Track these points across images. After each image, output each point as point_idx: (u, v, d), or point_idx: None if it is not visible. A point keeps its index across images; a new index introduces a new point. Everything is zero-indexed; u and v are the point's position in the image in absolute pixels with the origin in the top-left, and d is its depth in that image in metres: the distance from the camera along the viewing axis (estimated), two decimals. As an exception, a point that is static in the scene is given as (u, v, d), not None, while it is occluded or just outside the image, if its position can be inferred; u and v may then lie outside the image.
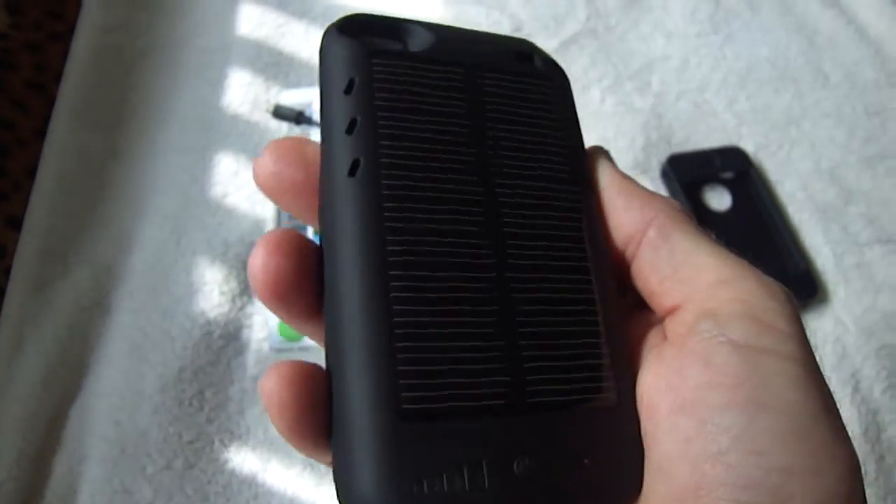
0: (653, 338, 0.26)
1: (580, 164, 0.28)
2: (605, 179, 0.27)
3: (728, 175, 0.67)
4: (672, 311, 0.25)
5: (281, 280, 0.24)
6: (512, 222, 0.25)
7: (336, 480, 0.22)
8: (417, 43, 0.27)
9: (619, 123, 0.70)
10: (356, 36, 0.27)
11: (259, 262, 0.24)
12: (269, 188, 0.26)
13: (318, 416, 0.23)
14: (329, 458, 0.23)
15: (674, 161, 0.67)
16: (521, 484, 0.22)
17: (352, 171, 0.24)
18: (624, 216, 0.26)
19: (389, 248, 0.23)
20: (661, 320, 0.26)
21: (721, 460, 0.21)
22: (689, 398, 0.22)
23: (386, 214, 0.23)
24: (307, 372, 0.23)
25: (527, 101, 0.28)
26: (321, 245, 0.25)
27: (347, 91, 0.26)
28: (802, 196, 0.66)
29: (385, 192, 0.24)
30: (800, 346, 0.23)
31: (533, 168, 0.26)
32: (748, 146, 0.69)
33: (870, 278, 0.62)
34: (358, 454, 0.22)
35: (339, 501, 0.22)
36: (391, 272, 0.23)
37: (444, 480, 0.22)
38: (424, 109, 0.25)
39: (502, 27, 0.77)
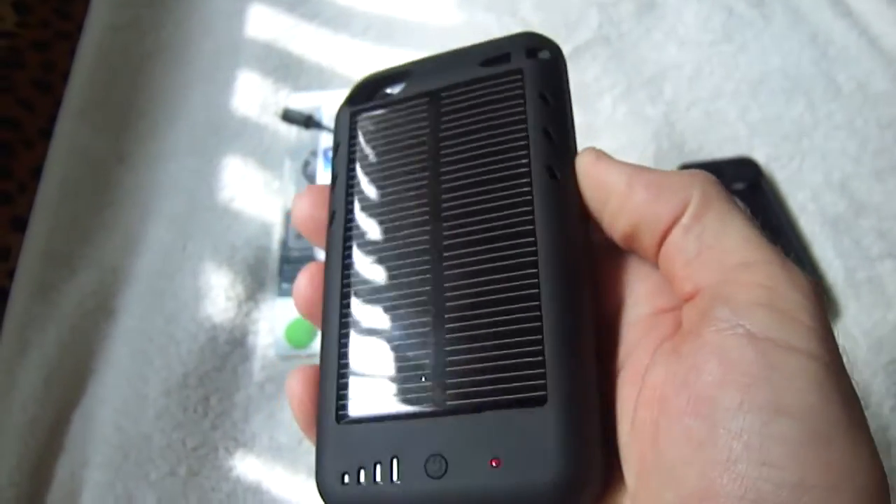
0: (668, 327, 0.24)
1: (554, 150, 0.27)
2: (619, 182, 0.25)
3: (739, 186, 0.67)
4: (691, 296, 0.23)
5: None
6: (451, 234, 0.27)
7: None
8: (402, 84, 0.31)
9: (631, 132, 0.70)
10: (352, 103, 0.32)
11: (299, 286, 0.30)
12: (305, 230, 0.31)
13: None
14: None
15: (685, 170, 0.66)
16: (431, 481, 0.23)
17: (330, 221, 0.30)
18: (657, 210, 0.24)
19: (345, 281, 0.28)
20: (680, 308, 0.24)
21: (730, 469, 0.19)
22: (703, 397, 0.21)
23: (346, 255, 0.28)
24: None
25: (480, 109, 0.29)
26: None
27: (334, 153, 0.31)
28: (813, 208, 0.66)
29: (349, 234, 0.29)
30: (823, 343, 0.21)
31: (478, 177, 0.27)
32: (760, 157, 0.68)
33: (881, 292, 0.62)
34: (316, 452, 0.26)
35: None
36: (343, 301, 0.28)
37: (363, 475, 0.24)
38: (389, 152, 0.29)
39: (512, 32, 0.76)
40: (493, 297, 0.25)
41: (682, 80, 0.74)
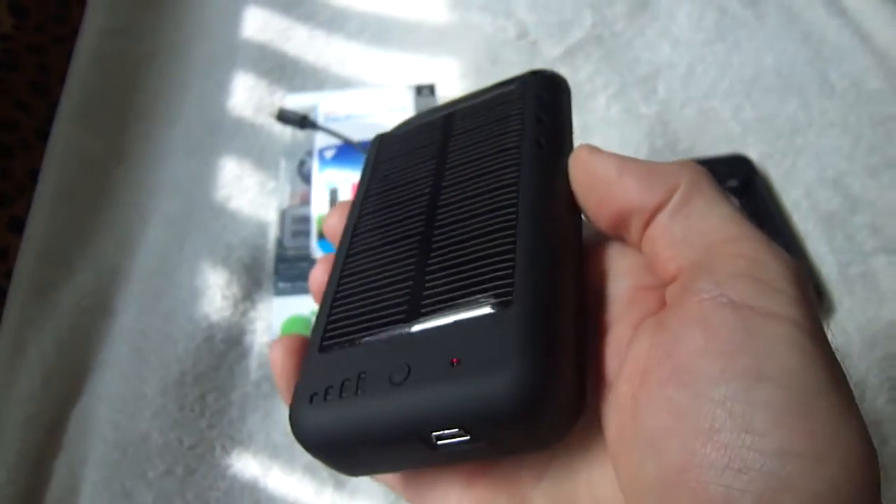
0: (653, 307, 0.24)
1: (538, 135, 0.29)
2: (609, 170, 0.26)
3: (733, 183, 0.67)
4: (675, 277, 0.23)
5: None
6: (445, 196, 0.28)
7: None
8: (425, 117, 0.35)
9: (624, 130, 0.70)
10: (388, 132, 0.36)
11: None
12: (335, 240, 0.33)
13: None
14: None
15: (679, 169, 0.66)
16: (392, 387, 0.23)
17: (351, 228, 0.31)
18: (645, 195, 0.25)
19: (351, 249, 0.30)
20: (663, 288, 0.24)
21: (713, 438, 0.19)
22: (685, 366, 0.20)
23: (353, 235, 0.30)
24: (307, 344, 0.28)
25: (483, 112, 0.32)
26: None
27: (363, 171, 0.34)
28: (807, 205, 0.66)
29: (357, 223, 0.31)
30: (805, 311, 0.20)
31: (475, 156, 0.30)
32: (753, 154, 0.68)
33: (874, 288, 0.62)
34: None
35: None
36: (344, 261, 0.29)
37: (329, 393, 0.24)
38: (400, 159, 0.33)
39: (508, 33, 0.77)
40: (473, 231, 0.26)
41: (675, 79, 0.74)
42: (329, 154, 0.64)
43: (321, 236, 0.60)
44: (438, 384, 0.22)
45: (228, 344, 0.58)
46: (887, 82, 0.74)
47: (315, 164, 0.64)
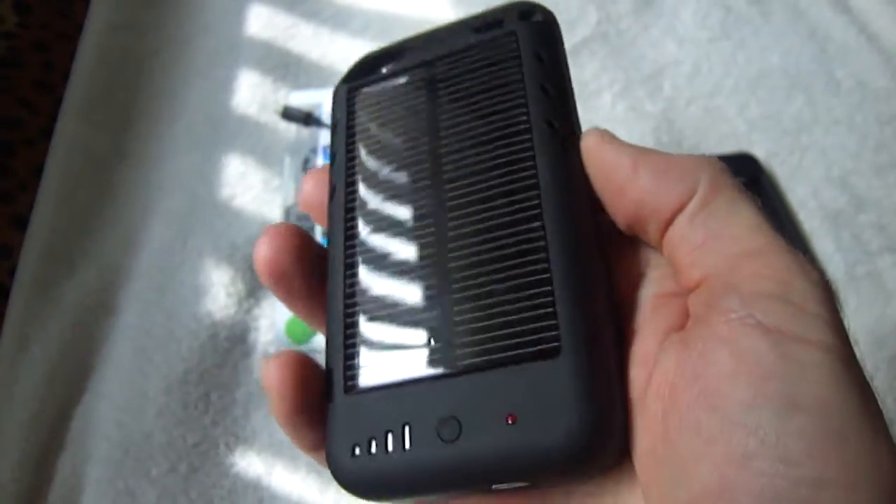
0: (677, 318, 0.23)
1: (555, 112, 0.26)
2: (623, 164, 0.24)
3: (739, 182, 0.67)
4: (698, 284, 0.22)
5: (280, 264, 0.27)
6: (454, 195, 0.26)
7: None
8: (396, 62, 0.31)
9: (630, 128, 0.70)
10: (349, 80, 0.31)
11: (263, 248, 0.27)
12: (309, 208, 0.31)
13: (311, 401, 0.25)
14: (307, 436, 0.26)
15: (684, 167, 0.66)
16: (445, 445, 0.22)
17: (330, 196, 0.29)
18: (663, 195, 0.23)
19: (349, 252, 0.27)
20: (686, 296, 0.23)
21: (746, 465, 0.19)
22: (714, 390, 0.20)
23: (348, 233, 0.28)
24: (305, 361, 0.26)
25: (475, 73, 0.28)
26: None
27: (333, 131, 0.31)
28: (813, 204, 0.66)
29: (349, 206, 0.28)
30: (837, 334, 0.20)
31: (478, 137, 0.27)
32: (759, 153, 0.68)
33: (881, 287, 0.62)
34: (326, 426, 0.25)
35: None
36: (348, 271, 0.27)
37: (373, 446, 0.23)
38: (388, 125, 0.29)
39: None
40: (498, 252, 0.24)
41: (680, 77, 0.74)
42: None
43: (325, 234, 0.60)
44: (498, 442, 0.22)
45: (232, 342, 0.58)
46: (894, 81, 0.73)
47: (319, 162, 0.64)
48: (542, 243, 0.24)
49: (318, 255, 0.28)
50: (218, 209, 0.65)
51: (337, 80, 0.71)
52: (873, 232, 0.64)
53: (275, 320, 0.59)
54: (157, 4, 0.82)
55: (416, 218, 0.26)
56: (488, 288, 0.24)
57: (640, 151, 0.25)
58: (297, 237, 0.28)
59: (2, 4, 0.74)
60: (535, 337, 0.23)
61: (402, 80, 0.30)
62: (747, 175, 0.67)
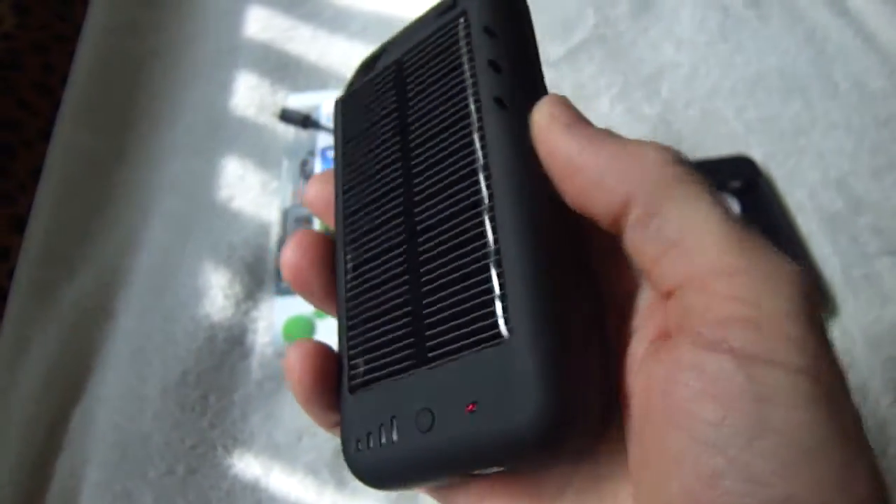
0: (665, 325, 0.22)
1: (497, 89, 0.25)
2: (570, 150, 0.23)
3: (736, 184, 0.67)
4: (669, 293, 0.21)
5: (301, 268, 0.29)
6: (419, 190, 0.26)
7: None
8: (376, 64, 0.31)
9: (628, 131, 0.69)
10: (347, 90, 0.32)
11: (287, 253, 0.29)
12: (315, 209, 0.32)
13: (328, 386, 0.28)
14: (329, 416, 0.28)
15: (682, 169, 0.66)
16: (423, 436, 0.23)
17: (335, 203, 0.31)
18: (606, 191, 0.22)
19: (346, 257, 0.29)
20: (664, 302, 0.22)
21: (714, 485, 0.19)
22: (682, 410, 0.20)
23: (344, 238, 0.29)
24: (322, 351, 0.28)
25: (432, 61, 0.28)
26: None
27: (335, 143, 0.32)
28: (811, 206, 0.66)
29: (343, 212, 0.30)
30: (811, 353, 0.19)
31: (436, 127, 0.26)
32: (757, 155, 0.68)
33: (878, 289, 0.62)
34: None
35: None
36: (345, 276, 0.29)
37: (371, 439, 0.25)
38: (366, 130, 0.30)
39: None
40: (449, 244, 0.24)
41: (678, 80, 0.74)
42: (331, 154, 0.64)
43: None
44: (462, 432, 0.22)
45: (230, 344, 0.58)
46: (891, 83, 0.73)
47: (317, 164, 0.64)
48: (481, 230, 0.23)
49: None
50: (216, 211, 0.65)
51: (335, 82, 0.71)
52: (871, 234, 0.64)
53: (272, 322, 0.59)
54: (156, 6, 0.82)
55: (391, 219, 0.27)
56: (444, 280, 0.24)
57: (590, 136, 0.23)
58: (317, 244, 0.29)
59: (0, 5, 0.74)
60: (481, 324, 0.23)
61: (378, 82, 0.30)
62: (745, 177, 0.67)
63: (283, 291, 0.59)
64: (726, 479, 0.18)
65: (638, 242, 0.22)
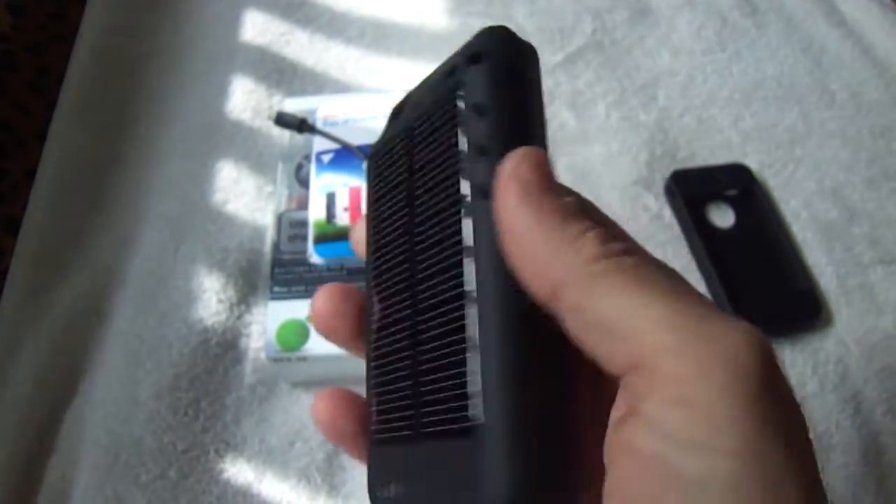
0: (624, 404, 0.22)
1: (482, 176, 0.24)
2: (508, 220, 0.23)
3: (732, 192, 0.67)
4: (624, 371, 0.21)
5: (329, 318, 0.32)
6: (421, 268, 0.27)
7: None
8: (396, 123, 0.31)
9: (624, 138, 0.70)
10: (381, 138, 0.32)
11: (317, 303, 0.32)
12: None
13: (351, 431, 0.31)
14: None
15: (677, 177, 0.66)
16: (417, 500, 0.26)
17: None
18: (531, 274, 0.22)
19: (372, 315, 0.31)
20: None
21: None
22: (623, 493, 0.21)
23: (370, 298, 0.31)
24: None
25: (432, 136, 0.27)
26: None
27: (367, 190, 0.33)
28: (806, 215, 0.66)
29: (371, 270, 0.31)
30: (743, 437, 0.19)
31: (430, 211, 0.26)
32: (752, 164, 0.68)
33: (872, 299, 0.62)
34: None
35: None
36: (370, 337, 0.31)
37: (390, 489, 0.27)
38: (382, 192, 0.30)
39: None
40: (441, 329, 0.25)
41: (675, 88, 0.74)
42: (327, 158, 0.64)
43: (318, 241, 0.59)
44: None
45: (223, 348, 0.58)
46: (887, 93, 0.74)
47: (313, 169, 0.64)
48: (462, 322, 0.24)
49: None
50: (211, 215, 0.65)
51: (331, 86, 0.71)
52: (866, 244, 0.64)
53: (266, 327, 0.58)
54: (153, 8, 0.82)
55: (401, 291, 0.28)
56: (434, 364, 0.25)
57: (539, 209, 0.23)
58: (343, 296, 0.32)
59: (-3, 7, 0.74)
60: (459, 413, 0.23)
61: (394, 146, 0.30)
62: (740, 186, 0.67)
63: (276, 296, 0.59)
64: None
65: (575, 330, 0.22)
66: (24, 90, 0.72)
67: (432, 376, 0.25)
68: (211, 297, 0.60)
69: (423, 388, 0.26)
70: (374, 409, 0.29)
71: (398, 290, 0.28)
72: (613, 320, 0.21)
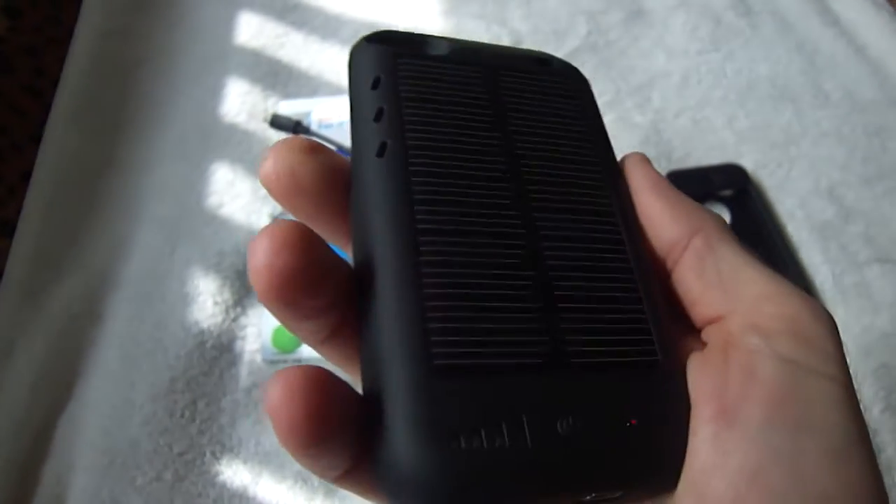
0: (691, 343, 0.25)
1: (607, 155, 0.28)
2: (646, 183, 0.27)
3: (727, 193, 0.67)
4: (714, 321, 0.24)
5: (289, 280, 0.21)
6: (539, 197, 0.25)
7: (372, 456, 0.21)
8: (438, 51, 0.28)
9: (619, 139, 0.69)
10: (382, 43, 0.28)
11: (263, 260, 0.21)
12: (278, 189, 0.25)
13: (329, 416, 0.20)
14: (333, 464, 0.21)
15: (673, 177, 0.66)
16: (566, 443, 0.21)
17: (380, 153, 0.24)
18: (668, 222, 0.26)
19: (418, 216, 0.23)
20: (698, 329, 0.25)
21: (759, 480, 0.20)
22: (732, 409, 0.21)
23: (414, 188, 0.24)
24: (317, 375, 0.20)
25: (546, 95, 0.28)
26: (351, 226, 0.25)
27: (374, 87, 0.26)
28: (801, 215, 0.66)
29: (412, 168, 0.24)
30: (842, 368, 0.22)
31: (556, 151, 0.27)
32: (747, 164, 0.68)
33: (868, 298, 0.62)
34: (391, 417, 0.20)
35: (378, 478, 0.20)
36: (421, 237, 0.23)
37: (483, 437, 0.20)
38: (446, 101, 0.26)
39: (502, 41, 0.77)
40: (593, 262, 0.25)
41: (669, 88, 0.74)
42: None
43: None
44: (619, 446, 0.22)
45: (219, 350, 0.58)
46: (881, 92, 0.74)
47: (308, 170, 0.64)
48: (626, 264, 0.25)
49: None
50: (206, 217, 0.65)
51: (325, 89, 0.70)
52: (861, 243, 0.64)
53: (261, 329, 0.58)
54: (148, 11, 0.82)
55: (496, 206, 0.24)
56: (587, 294, 0.24)
57: (658, 183, 0.27)
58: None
59: (-8, 10, 0.74)
60: (638, 347, 0.24)
61: (458, 69, 0.28)
62: (735, 186, 0.67)
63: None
64: (771, 475, 0.20)
65: (695, 272, 0.25)
66: (19, 93, 0.72)
67: (584, 304, 0.24)
68: (206, 299, 0.60)
69: (565, 315, 0.23)
70: (448, 327, 0.21)
71: (493, 203, 0.24)
72: (732, 268, 0.24)
